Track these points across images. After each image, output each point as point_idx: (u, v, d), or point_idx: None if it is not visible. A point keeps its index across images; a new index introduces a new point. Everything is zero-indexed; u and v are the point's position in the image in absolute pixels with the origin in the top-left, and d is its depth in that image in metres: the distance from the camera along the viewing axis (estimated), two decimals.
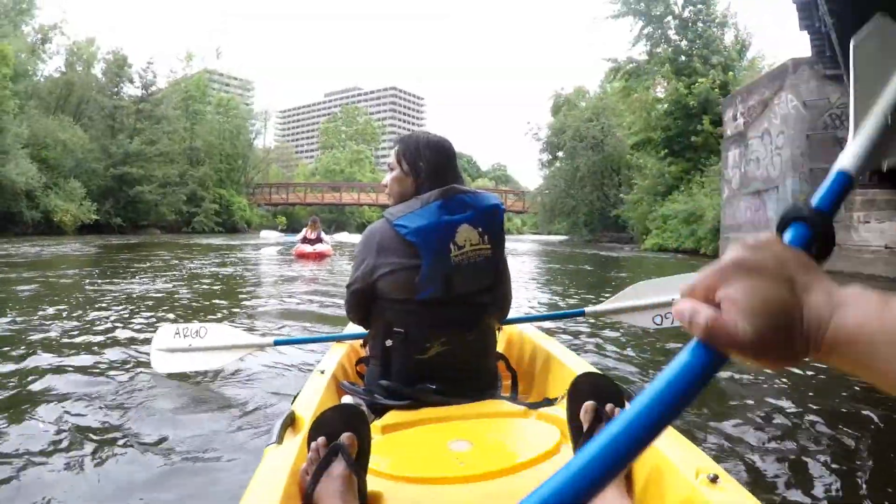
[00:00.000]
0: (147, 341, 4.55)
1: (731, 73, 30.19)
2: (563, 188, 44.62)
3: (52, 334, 5.81)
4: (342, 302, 2.53)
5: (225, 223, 54.34)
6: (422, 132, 2.41)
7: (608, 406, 1.64)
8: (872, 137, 0.69)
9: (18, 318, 6.62)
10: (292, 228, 54.84)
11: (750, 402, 3.79)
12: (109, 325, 6.36)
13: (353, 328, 3.02)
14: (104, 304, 7.76)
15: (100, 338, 5.67)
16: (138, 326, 6.24)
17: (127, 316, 6.95)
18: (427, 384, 2.18)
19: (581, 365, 2.47)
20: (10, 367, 4.54)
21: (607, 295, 4.65)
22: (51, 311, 7.11)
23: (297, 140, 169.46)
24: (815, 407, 3.66)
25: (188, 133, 54.75)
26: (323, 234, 17.78)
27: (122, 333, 5.87)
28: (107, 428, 3.31)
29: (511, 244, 36.94)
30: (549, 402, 2.18)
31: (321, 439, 1.54)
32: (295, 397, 2.25)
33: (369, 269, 2.23)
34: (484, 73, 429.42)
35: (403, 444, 1.89)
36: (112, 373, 4.42)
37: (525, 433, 1.96)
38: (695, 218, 24.31)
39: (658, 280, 3.33)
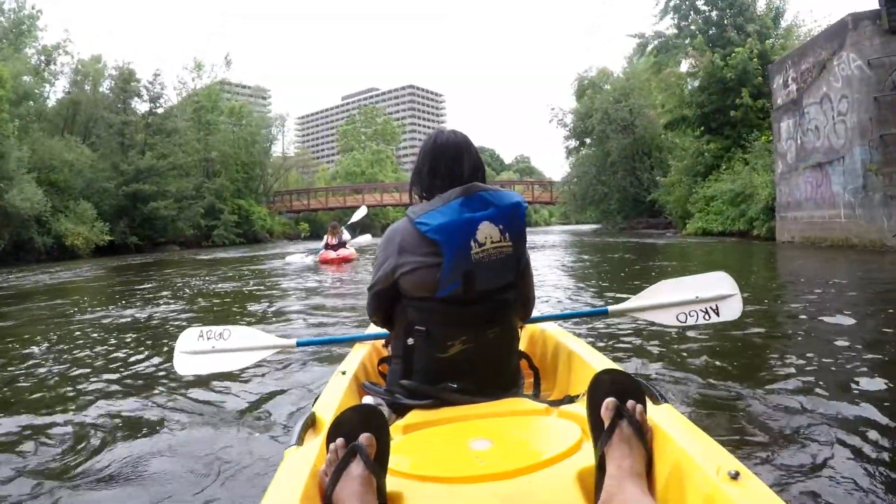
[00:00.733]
0: (168, 347, 4.87)
1: (768, 41, 27.89)
2: (594, 175, 42.54)
3: (69, 347, 6.16)
4: (364, 304, 2.56)
5: (246, 234, 53.09)
6: (438, 131, 2.40)
7: (629, 403, 1.57)
8: None
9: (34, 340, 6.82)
10: (316, 235, 53.83)
11: (772, 398, 3.63)
12: (129, 336, 6.61)
13: (375, 328, 3.01)
14: (118, 322, 7.88)
15: (121, 348, 5.96)
16: (158, 334, 6.57)
17: (143, 328, 7.21)
18: (449, 383, 2.17)
19: (603, 362, 2.42)
20: (34, 376, 4.84)
21: None
22: (59, 333, 7.18)
23: (317, 145, 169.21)
24: (840, 404, 3.50)
25: (202, 144, 53.44)
26: (345, 236, 18.04)
27: (142, 341, 6.14)
28: (128, 429, 3.50)
29: (539, 237, 35.81)
30: (571, 399, 2.16)
31: (340, 440, 1.50)
32: (316, 398, 2.30)
33: (390, 269, 2.22)
34: (502, 68, 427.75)
35: (424, 444, 1.86)
36: (134, 375, 4.70)
37: (546, 431, 1.90)
38: (743, 197, 22.13)
39: (682, 279, 3.28)
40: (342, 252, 17.22)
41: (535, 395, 2.43)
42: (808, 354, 4.61)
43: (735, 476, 1.32)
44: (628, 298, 3.43)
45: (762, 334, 5.56)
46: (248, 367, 3.71)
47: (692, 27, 31.75)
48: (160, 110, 51.15)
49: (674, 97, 31.71)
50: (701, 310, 3.17)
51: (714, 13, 31.31)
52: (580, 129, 44.06)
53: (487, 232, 2.11)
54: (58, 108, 46.95)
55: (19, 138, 35.37)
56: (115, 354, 5.68)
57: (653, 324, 3.67)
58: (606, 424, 1.54)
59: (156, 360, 5.23)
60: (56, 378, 4.89)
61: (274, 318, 7.79)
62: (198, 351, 3.39)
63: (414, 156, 2.58)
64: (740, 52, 26.55)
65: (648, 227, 36.60)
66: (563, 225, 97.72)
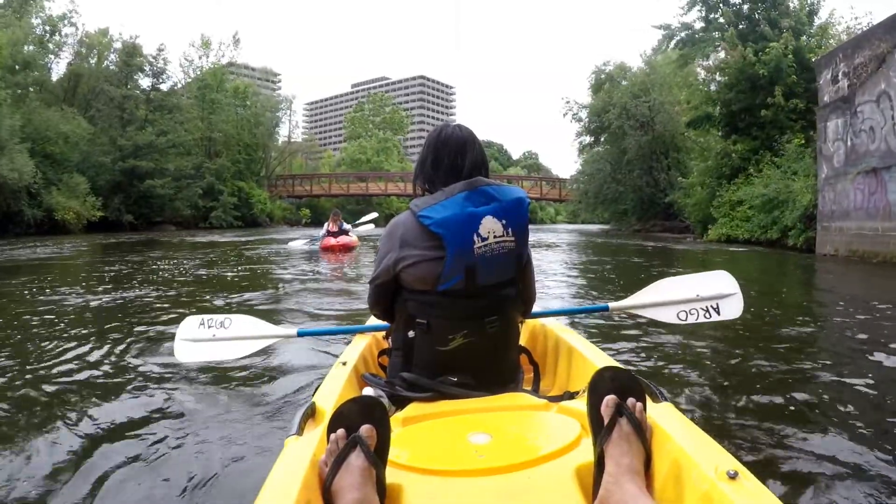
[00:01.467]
0: (168, 335, 5.05)
1: (802, 38, 25.96)
2: (609, 173, 40.75)
3: (59, 330, 5.94)
4: (365, 295, 2.64)
5: (244, 217, 51.78)
6: (444, 124, 2.42)
7: (629, 400, 1.58)
8: None
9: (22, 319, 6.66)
10: (317, 221, 52.80)
11: (773, 400, 3.66)
12: (119, 321, 6.47)
13: (376, 320, 2.95)
14: (102, 307, 7.62)
15: (117, 333, 5.77)
16: (155, 320, 6.43)
17: (140, 312, 7.08)
18: (449, 376, 2.19)
19: (603, 359, 2.44)
20: (27, 363, 4.62)
21: None
22: (50, 315, 6.88)
23: (324, 132, 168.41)
24: (842, 409, 3.52)
25: (205, 123, 52.16)
26: (346, 226, 18.00)
27: (140, 328, 5.97)
28: (126, 418, 3.42)
29: (547, 235, 34.38)
30: (571, 395, 2.16)
31: (340, 431, 1.50)
32: (316, 389, 2.29)
33: (392, 262, 2.23)
34: (513, 63, 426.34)
35: (423, 437, 1.87)
36: (132, 364, 4.60)
37: (545, 426, 1.90)
38: (777, 204, 20.32)
39: (683, 277, 3.30)
40: (343, 239, 17.18)
41: (535, 391, 2.46)
42: (818, 363, 4.62)
43: (733, 476, 1.32)
44: (630, 295, 3.40)
45: (771, 340, 5.46)
46: (248, 356, 3.65)
47: (721, 20, 29.86)
48: (163, 86, 49.86)
49: (699, 94, 30.04)
50: (702, 308, 3.16)
51: (745, 6, 29.37)
52: (596, 124, 42.14)
53: (490, 226, 2.13)
54: (59, 79, 45.65)
55: (17, 107, 34.14)
56: (102, 342, 5.38)
57: (654, 321, 3.62)
58: (606, 421, 1.53)
59: (153, 347, 5.11)
60: (41, 364, 4.65)
61: (274, 307, 7.69)
62: (198, 339, 3.35)
63: (422, 147, 2.48)
64: (775, 47, 24.72)
65: (664, 231, 34.89)
66: (569, 224, 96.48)
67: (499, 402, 2.07)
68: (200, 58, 56.35)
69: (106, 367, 4.52)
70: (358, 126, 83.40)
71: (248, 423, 3.33)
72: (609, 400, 1.56)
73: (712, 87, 28.86)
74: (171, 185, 44.48)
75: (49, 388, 3.99)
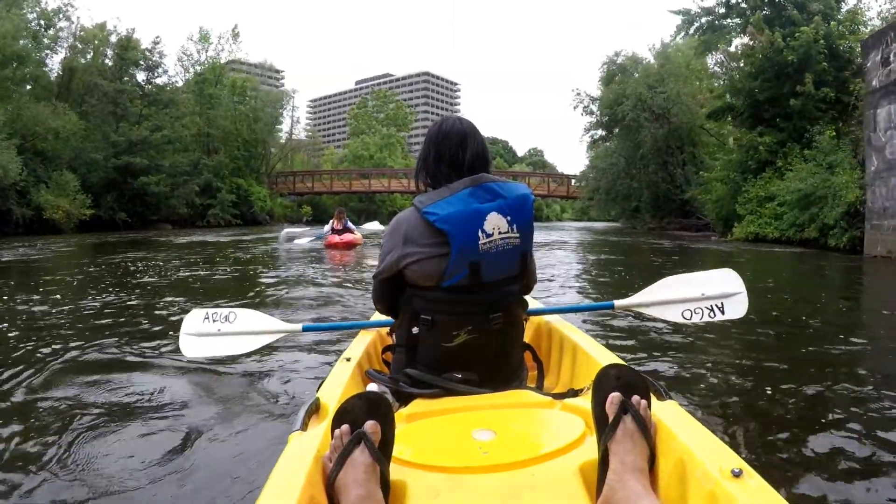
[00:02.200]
0: (169, 331, 5.34)
1: (832, 23, 24.07)
2: (623, 168, 38.95)
3: (60, 325, 6.19)
4: (370, 290, 2.60)
5: (243, 215, 50.11)
6: (444, 118, 2.41)
7: (634, 398, 1.57)
8: None
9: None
10: (318, 219, 51.61)
11: (778, 399, 3.70)
12: (118, 321, 6.41)
13: (381, 316, 2.97)
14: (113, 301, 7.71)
15: (120, 328, 5.99)
16: (161, 316, 6.62)
17: (145, 306, 7.31)
18: (453, 373, 2.19)
19: (608, 356, 2.43)
20: (24, 364, 4.57)
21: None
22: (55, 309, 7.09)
23: (328, 130, 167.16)
24: (848, 409, 3.52)
25: (203, 119, 50.54)
26: (350, 224, 18.02)
27: (140, 326, 6.07)
28: (132, 413, 3.50)
29: (555, 234, 32.62)
30: (575, 392, 2.15)
31: (344, 427, 1.51)
32: (320, 384, 2.25)
33: (396, 259, 2.24)
34: (519, 60, 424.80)
35: (427, 433, 1.87)
36: (138, 358, 4.72)
37: (550, 424, 1.92)
38: (814, 199, 18.61)
39: (689, 275, 3.27)
40: (347, 236, 17.27)
41: (539, 388, 2.47)
42: (837, 367, 4.52)
43: (738, 474, 1.31)
44: (635, 293, 3.37)
45: (789, 342, 5.49)
46: (252, 352, 3.48)
47: (743, 4, 28.21)
48: (160, 80, 48.28)
49: (724, 84, 28.42)
50: (706, 307, 3.11)
51: None
52: (608, 116, 40.18)
53: (495, 223, 2.13)
54: (52, 74, 43.80)
55: (2, 103, 32.64)
56: (102, 340, 5.44)
57: (658, 320, 3.52)
58: (611, 419, 1.53)
59: (156, 343, 5.19)
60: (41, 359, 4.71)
61: (279, 303, 7.75)
62: (203, 333, 3.32)
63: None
64: (806, 31, 23.04)
65: (681, 229, 33.21)
66: (576, 221, 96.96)
67: (503, 399, 2.07)
68: (199, 52, 54.70)
69: (107, 366, 4.54)
70: (361, 122, 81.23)
71: (252, 419, 3.39)
72: (613, 397, 1.55)
73: (735, 76, 27.09)
74: (166, 183, 42.75)
75: (49, 389, 3.98)
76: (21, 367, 4.46)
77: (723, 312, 3.10)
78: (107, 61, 45.62)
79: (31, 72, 39.54)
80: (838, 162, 19.13)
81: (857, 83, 21.00)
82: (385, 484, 1.46)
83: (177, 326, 3.43)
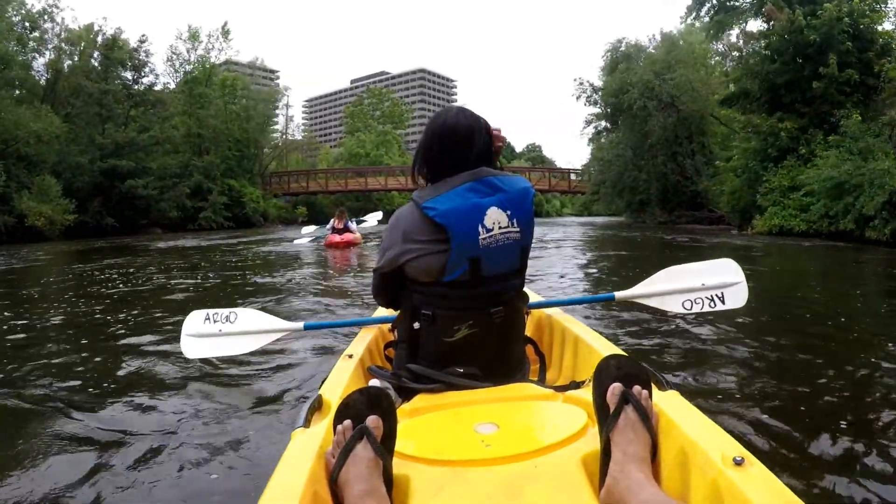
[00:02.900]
0: (170, 331, 5.44)
1: (855, 0, 22.25)
2: (630, 158, 37.06)
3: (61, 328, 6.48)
4: (370, 286, 2.62)
5: (236, 217, 48.45)
6: (446, 109, 2.35)
7: (635, 388, 1.57)
8: None
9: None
10: (314, 220, 49.64)
11: (779, 387, 3.73)
12: (117, 325, 6.47)
13: (382, 312, 3.19)
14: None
15: (121, 329, 6.18)
16: (157, 319, 6.64)
17: (137, 315, 7.05)
18: (455, 367, 2.19)
19: (609, 348, 2.42)
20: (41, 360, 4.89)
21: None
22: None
23: (324, 129, 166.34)
24: (850, 398, 3.56)
25: (193, 119, 49.14)
26: (351, 224, 18.45)
27: (140, 328, 6.16)
28: (136, 413, 3.56)
29: (556, 231, 30.91)
30: (577, 384, 2.15)
31: (347, 422, 1.52)
32: (323, 381, 2.27)
33: (395, 255, 2.22)
34: (515, 55, 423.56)
35: (430, 427, 1.87)
36: (140, 359, 4.79)
37: (552, 416, 1.90)
38: (849, 188, 17.02)
39: (688, 265, 3.29)
40: (347, 236, 17.69)
41: (541, 381, 2.47)
42: (846, 360, 4.41)
43: (740, 462, 1.32)
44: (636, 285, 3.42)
45: (781, 330, 5.49)
46: (254, 350, 3.56)
47: None
48: (148, 80, 46.77)
49: (737, 67, 26.90)
50: (707, 297, 3.14)
51: None
52: (612, 106, 38.49)
53: (495, 217, 2.13)
54: (38, 76, 42.40)
55: None
56: (109, 330, 5.97)
57: (659, 310, 3.59)
58: (612, 409, 1.54)
59: (159, 340, 5.35)
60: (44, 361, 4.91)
61: (281, 302, 7.78)
62: (204, 334, 3.34)
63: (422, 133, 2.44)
64: (829, 9, 21.44)
65: (693, 222, 31.66)
66: (577, 216, 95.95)
67: (505, 393, 2.07)
68: (189, 51, 52.97)
69: (108, 366, 4.67)
70: (357, 121, 79.70)
71: (255, 416, 3.44)
72: (615, 388, 1.56)
73: (751, 60, 25.53)
74: (155, 185, 41.35)
75: (45, 393, 4.03)
76: (10, 373, 4.53)
77: (723, 302, 3.11)
78: (93, 62, 44.13)
79: (16, 75, 38.15)
80: (871, 147, 17.64)
81: (882, 64, 19.53)
82: (388, 478, 1.46)
83: (174, 331, 3.39)
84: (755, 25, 26.19)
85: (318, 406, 1.89)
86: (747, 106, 25.84)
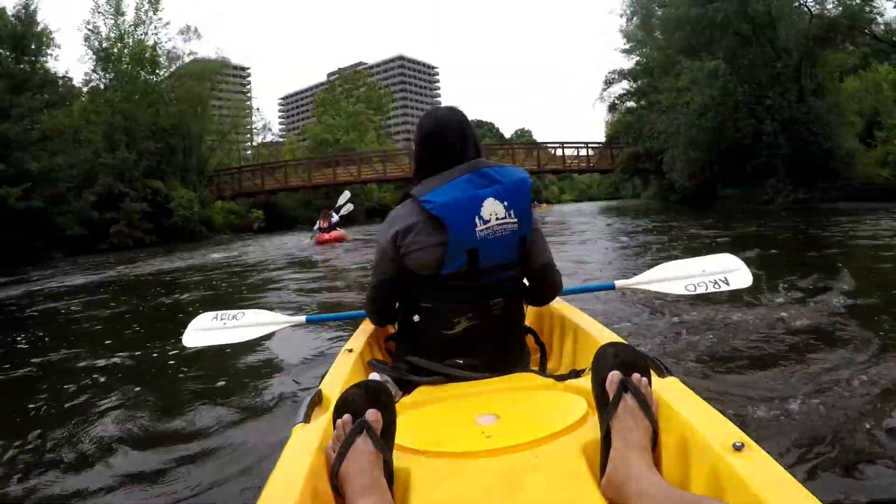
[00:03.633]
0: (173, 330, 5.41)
1: None
2: (743, 99, 24.05)
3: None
4: (367, 281, 2.96)
5: (163, 229, 36.98)
6: (433, 109, 2.39)
7: (634, 376, 1.58)
8: None
9: None
10: (275, 226, 42.48)
11: (780, 372, 3.70)
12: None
13: None
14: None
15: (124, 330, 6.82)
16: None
17: None
18: (455, 359, 2.20)
19: (609, 336, 2.41)
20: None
21: None
22: None
23: (301, 127, 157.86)
24: (850, 383, 3.43)
25: (104, 105, 38.09)
26: (335, 219, 21.08)
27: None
28: (138, 407, 3.77)
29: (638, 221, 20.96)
30: (577, 373, 2.17)
31: (346, 416, 1.52)
32: (323, 376, 2.27)
33: (395, 255, 2.22)
34: (501, 32, 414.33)
35: (430, 420, 1.88)
36: (141, 355, 5.20)
37: (552, 405, 1.90)
38: None
39: (687, 259, 3.40)
40: (334, 233, 19.92)
41: (542, 371, 2.45)
42: (831, 342, 4.32)
43: (740, 448, 1.32)
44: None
45: (776, 315, 5.19)
46: (255, 345, 3.99)
47: None
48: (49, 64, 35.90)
49: None
50: (710, 280, 3.19)
51: None
52: (695, 21, 24.63)
53: (492, 209, 2.13)
54: None
55: None
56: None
57: (660, 298, 3.90)
58: (611, 398, 1.54)
59: (160, 337, 5.75)
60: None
61: (282, 295, 8.41)
62: (209, 328, 3.43)
63: (406, 131, 2.45)
64: None
65: (840, 199, 19.93)
66: (577, 203, 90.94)
67: (505, 384, 2.08)
68: (111, 27, 41.28)
69: (109, 367, 4.94)
70: (329, 108, 67.98)
71: (255, 412, 3.57)
72: (613, 376, 1.57)
73: None
74: (44, 194, 30.18)
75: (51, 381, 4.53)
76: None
77: (728, 284, 3.20)
78: None
79: None
80: None
81: None
82: (389, 471, 1.46)
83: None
84: None
85: (318, 401, 1.89)
86: None
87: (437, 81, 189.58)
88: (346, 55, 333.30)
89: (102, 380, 4.63)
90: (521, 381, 2.11)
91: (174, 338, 5.71)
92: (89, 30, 40.70)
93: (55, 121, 33.29)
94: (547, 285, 2.46)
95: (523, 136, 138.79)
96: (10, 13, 34.21)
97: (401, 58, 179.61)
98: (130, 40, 41.46)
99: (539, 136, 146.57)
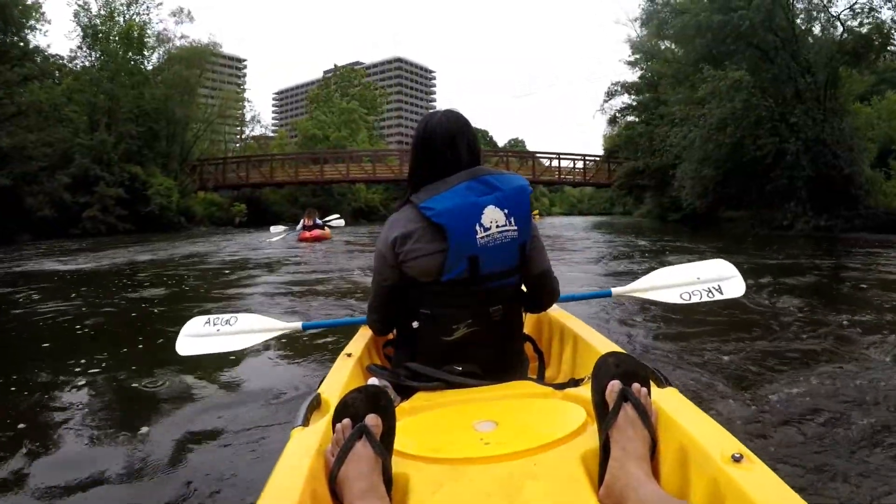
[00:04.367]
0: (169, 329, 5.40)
1: None
2: (766, 114, 22.25)
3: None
4: (365, 285, 3.95)
5: (138, 217, 35.31)
6: (431, 113, 2.37)
7: (634, 385, 1.58)
8: None
9: None
10: (258, 221, 40.25)
11: (779, 384, 3.72)
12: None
13: None
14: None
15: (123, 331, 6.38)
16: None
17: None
18: (454, 366, 2.20)
19: (608, 345, 2.44)
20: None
21: None
22: None
23: (294, 123, 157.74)
24: (849, 393, 3.55)
25: (87, 83, 36.46)
26: (319, 222, 21.05)
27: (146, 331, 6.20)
28: (135, 412, 3.71)
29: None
30: (576, 382, 2.16)
31: (346, 421, 1.52)
32: (322, 380, 2.26)
33: (395, 261, 2.22)
34: (498, 42, 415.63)
35: (429, 426, 1.87)
36: (138, 363, 4.83)
37: (551, 414, 1.91)
38: None
39: (681, 265, 3.43)
40: (316, 232, 19.72)
41: (540, 378, 2.46)
42: (828, 349, 4.57)
43: (739, 459, 1.32)
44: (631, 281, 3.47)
45: (773, 324, 5.48)
46: (254, 351, 3.92)
47: None
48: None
49: None
50: (704, 289, 3.21)
51: None
52: (716, 28, 22.91)
53: (492, 216, 2.13)
54: None
55: None
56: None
57: (658, 307, 3.72)
58: (611, 407, 1.54)
59: (157, 344, 5.42)
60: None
61: (274, 300, 8.05)
62: (202, 334, 3.36)
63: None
64: None
65: (859, 229, 18.57)
66: (566, 216, 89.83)
67: (504, 391, 2.08)
68: (102, 5, 39.53)
69: (109, 368, 4.68)
70: (322, 105, 66.41)
71: (254, 415, 3.50)
72: (613, 385, 1.56)
73: None
74: (11, 174, 28.66)
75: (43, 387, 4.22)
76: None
77: (721, 293, 3.19)
78: None
79: None
80: None
81: None
82: (387, 477, 1.46)
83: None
84: None
85: (316, 404, 1.87)
86: None
87: (434, 86, 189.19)
88: (345, 55, 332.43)
89: (80, 382, 4.44)
90: (520, 388, 2.10)
91: (163, 337, 5.78)
92: (79, 5, 39.11)
93: (34, 96, 31.65)
94: (546, 292, 2.45)
95: (517, 146, 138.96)
96: None
97: (398, 60, 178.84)
98: (121, 19, 39.93)
99: (532, 148, 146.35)
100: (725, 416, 3.11)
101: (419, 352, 2.24)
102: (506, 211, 2.13)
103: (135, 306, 8.18)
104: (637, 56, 38.50)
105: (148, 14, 40.81)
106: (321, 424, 1.68)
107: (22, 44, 33.75)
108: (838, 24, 21.94)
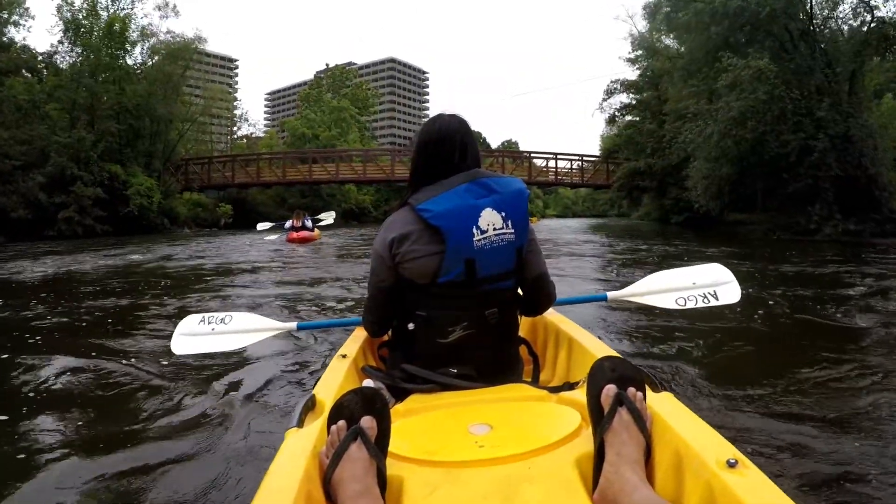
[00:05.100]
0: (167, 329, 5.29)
1: None
2: (790, 107, 20.23)
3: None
4: (359, 284, 3.81)
5: (118, 218, 33.94)
6: (437, 116, 2.40)
7: (629, 390, 1.58)
8: None
9: None
10: (243, 222, 39.21)
11: (774, 389, 3.71)
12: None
13: None
14: None
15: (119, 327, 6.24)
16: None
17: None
18: (449, 368, 2.19)
19: (603, 349, 2.42)
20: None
21: None
22: None
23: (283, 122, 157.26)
24: (842, 400, 3.54)
25: (67, 79, 35.27)
26: (308, 223, 20.93)
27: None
28: (128, 414, 3.60)
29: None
30: (571, 386, 2.16)
31: (341, 422, 1.52)
32: (316, 381, 2.26)
33: (392, 262, 2.21)
34: (492, 42, 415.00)
35: (424, 428, 1.87)
36: (133, 361, 4.73)
37: (545, 417, 1.90)
38: None
39: (678, 269, 3.37)
40: (304, 233, 19.83)
41: (535, 381, 2.46)
42: (823, 354, 4.53)
43: (733, 464, 1.33)
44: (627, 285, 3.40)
45: (768, 330, 5.54)
46: (248, 352, 3.85)
47: None
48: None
49: None
50: (699, 294, 3.18)
51: None
52: (733, 14, 21.19)
53: (490, 219, 2.13)
54: None
55: None
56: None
57: (653, 311, 3.67)
58: (606, 411, 1.54)
59: (149, 346, 5.27)
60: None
61: (267, 301, 7.88)
62: (197, 333, 3.35)
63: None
64: None
65: (882, 235, 17.19)
66: (560, 218, 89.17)
67: (499, 394, 2.08)
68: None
69: (104, 369, 4.55)
70: (314, 104, 65.06)
71: (248, 416, 3.45)
72: (608, 389, 1.56)
73: None
74: None
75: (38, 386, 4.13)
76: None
77: (717, 298, 3.14)
78: None
79: None
80: None
81: None
82: (382, 479, 1.46)
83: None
84: None
85: (311, 406, 1.87)
86: None
87: (427, 87, 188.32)
88: (339, 56, 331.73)
89: (74, 382, 4.32)
90: (515, 391, 2.10)
91: (156, 337, 5.63)
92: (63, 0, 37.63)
93: (12, 91, 30.46)
94: (542, 295, 2.42)
95: (510, 148, 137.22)
96: None
97: (392, 60, 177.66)
98: (105, 14, 38.47)
99: (525, 148, 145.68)
100: (720, 422, 3.12)
101: (414, 354, 2.22)
102: (503, 214, 2.13)
103: (107, 311, 7.61)
104: (638, 53, 37.33)
105: (132, 8, 39.32)
106: (315, 426, 1.67)
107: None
108: (863, 11, 20.49)
